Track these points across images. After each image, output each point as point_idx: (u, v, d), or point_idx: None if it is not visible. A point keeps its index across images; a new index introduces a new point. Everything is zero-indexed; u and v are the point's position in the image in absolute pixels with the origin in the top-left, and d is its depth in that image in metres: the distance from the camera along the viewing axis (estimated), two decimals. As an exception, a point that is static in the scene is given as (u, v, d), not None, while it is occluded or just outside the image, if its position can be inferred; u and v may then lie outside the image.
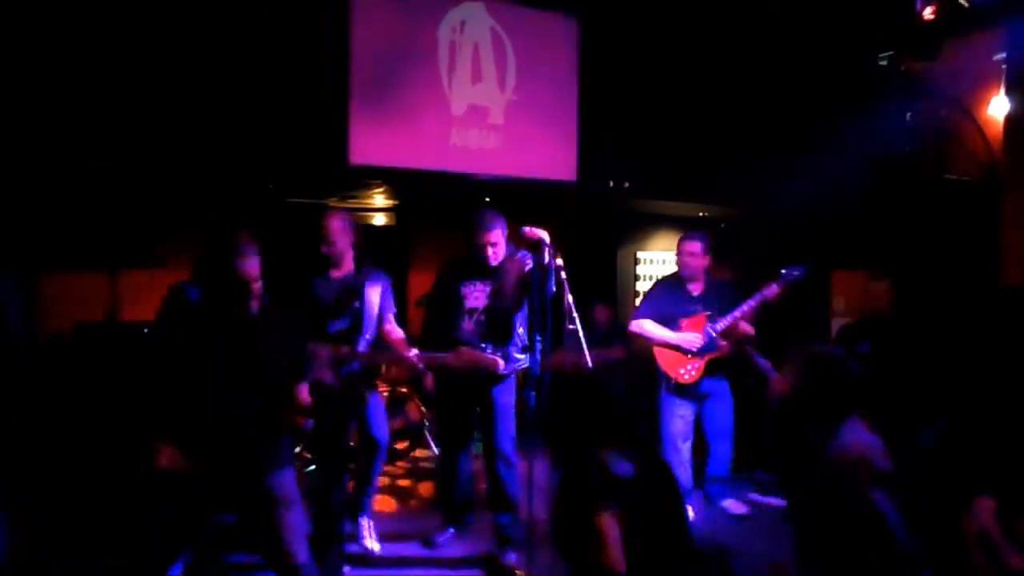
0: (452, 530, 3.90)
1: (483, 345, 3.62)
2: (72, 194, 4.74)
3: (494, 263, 3.64)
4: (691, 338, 4.17)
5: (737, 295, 4.22)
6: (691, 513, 4.27)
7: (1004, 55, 4.96)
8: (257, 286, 2.58)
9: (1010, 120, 4.89)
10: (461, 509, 3.93)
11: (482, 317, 3.64)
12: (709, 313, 4.21)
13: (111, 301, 5.01)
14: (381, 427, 3.76)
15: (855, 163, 5.51)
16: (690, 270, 4.28)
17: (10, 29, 4.18)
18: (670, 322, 4.24)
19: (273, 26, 4.80)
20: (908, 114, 5.55)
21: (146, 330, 4.43)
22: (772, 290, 4.09)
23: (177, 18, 4.57)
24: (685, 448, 4.34)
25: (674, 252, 4.42)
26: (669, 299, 4.32)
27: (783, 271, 4.13)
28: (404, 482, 4.94)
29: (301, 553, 2.64)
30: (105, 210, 4.93)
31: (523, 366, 3.68)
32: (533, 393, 3.39)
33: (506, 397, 3.70)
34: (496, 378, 3.64)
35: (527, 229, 3.40)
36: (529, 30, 5.85)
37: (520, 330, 3.67)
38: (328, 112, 5.08)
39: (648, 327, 4.27)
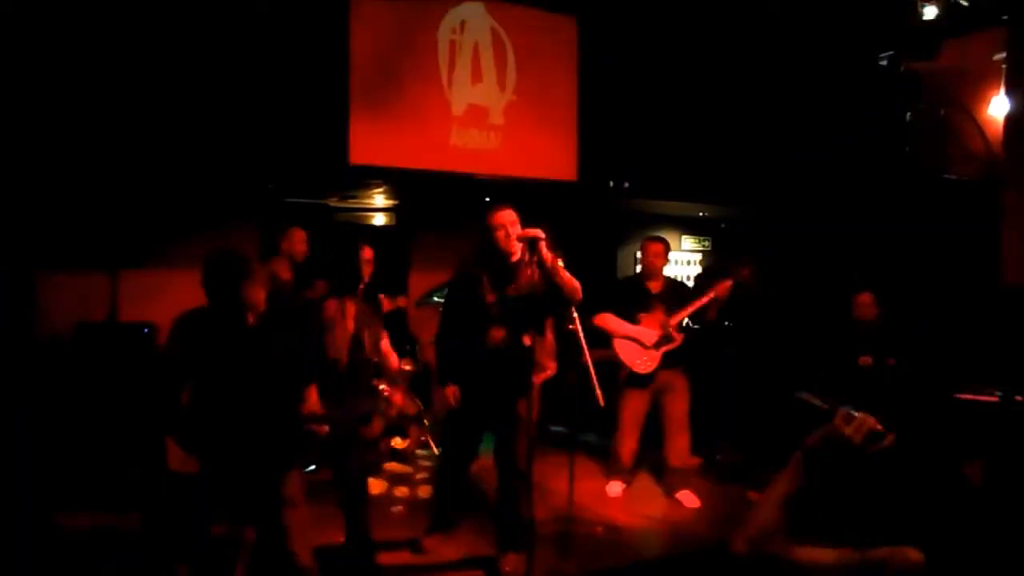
0: (440, 533, 3.80)
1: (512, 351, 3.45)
2: (73, 193, 4.74)
3: (506, 247, 3.49)
4: (648, 332, 4.52)
5: (690, 292, 4.66)
6: (618, 490, 4.71)
7: (1004, 55, 4.96)
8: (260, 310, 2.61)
9: (1010, 120, 4.88)
10: (454, 511, 3.85)
11: (511, 323, 3.47)
12: (665, 309, 4.55)
13: (111, 301, 5.01)
14: None
15: (854, 163, 5.51)
16: (652, 269, 4.66)
17: (12, 29, 4.19)
18: (630, 316, 4.58)
19: (273, 26, 4.80)
20: (908, 114, 5.55)
21: (146, 330, 4.49)
22: (723, 288, 4.44)
23: (178, 18, 4.57)
24: (635, 433, 4.67)
25: (641, 253, 4.81)
26: (630, 295, 4.68)
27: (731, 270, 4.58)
28: (403, 485, 4.93)
29: (304, 553, 2.66)
30: (106, 210, 4.93)
31: (552, 373, 3.58)
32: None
33: (529, 410, 3.38)
34: (524, 388, 3.37)
35: (521, 230, 3.40)
36: (529, 30, 5.85)
37: (550, 336, 3.55)
38: (328, 112, 5.09)
39: (610, 321, 4.60)
